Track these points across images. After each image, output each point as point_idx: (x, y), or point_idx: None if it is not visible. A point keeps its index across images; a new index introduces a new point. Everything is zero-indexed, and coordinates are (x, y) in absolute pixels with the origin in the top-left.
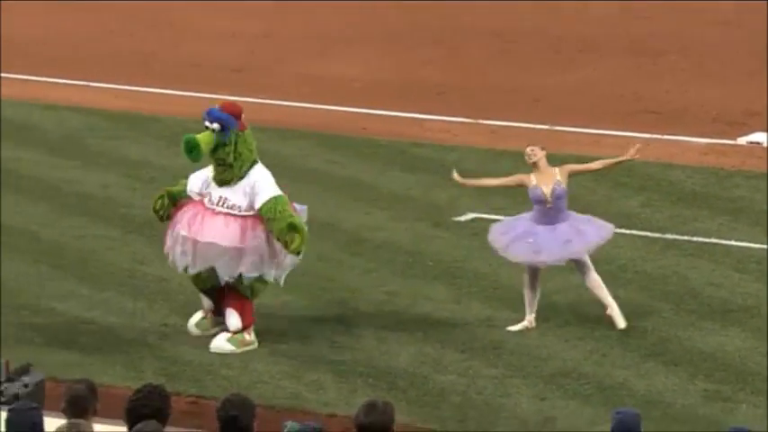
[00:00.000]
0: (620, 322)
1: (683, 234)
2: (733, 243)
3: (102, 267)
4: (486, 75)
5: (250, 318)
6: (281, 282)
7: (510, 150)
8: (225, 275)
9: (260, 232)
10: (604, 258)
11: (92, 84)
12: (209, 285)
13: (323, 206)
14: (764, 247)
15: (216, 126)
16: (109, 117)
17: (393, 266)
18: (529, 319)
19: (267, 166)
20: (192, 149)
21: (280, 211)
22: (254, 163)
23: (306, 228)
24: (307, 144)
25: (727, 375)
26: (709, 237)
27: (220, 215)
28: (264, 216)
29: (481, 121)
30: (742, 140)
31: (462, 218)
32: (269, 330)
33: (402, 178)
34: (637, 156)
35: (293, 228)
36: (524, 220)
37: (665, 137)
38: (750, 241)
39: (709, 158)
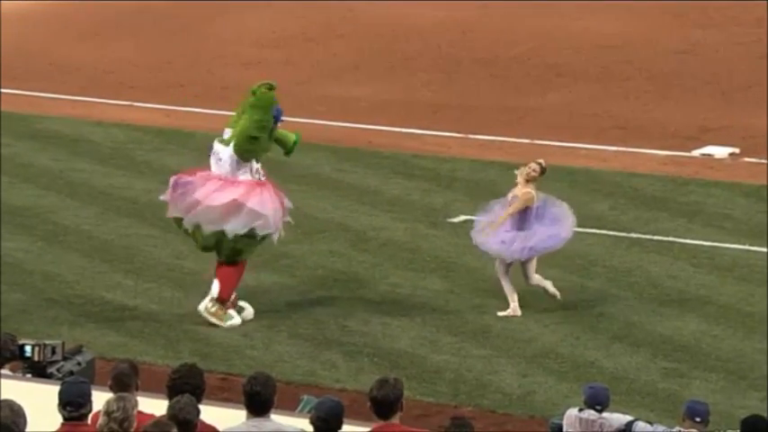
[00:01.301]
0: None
1: (645, 233)
2: (688, 241)
3: (145, 262)
4: (476, 96)
5: (226, 293)
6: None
7: (497, 161)
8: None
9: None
10: (577, 254)
11: (136, 104)
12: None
13: (334, 209)
14: (715, 244)
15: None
16: (151, 132)
17: (395, 261)
18: (513, 307)
19: (285, 174)
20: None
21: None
22: None
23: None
24: (320, 155)
25: (684, 355)
26: (668, 236)
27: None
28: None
29: (472, 136)
30: (696, 153)
31: (455, 219)
32: (287, 316)
33: (403, 185)
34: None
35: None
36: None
37: (630, 149)
38: (703, 239)
39: (668, 168)
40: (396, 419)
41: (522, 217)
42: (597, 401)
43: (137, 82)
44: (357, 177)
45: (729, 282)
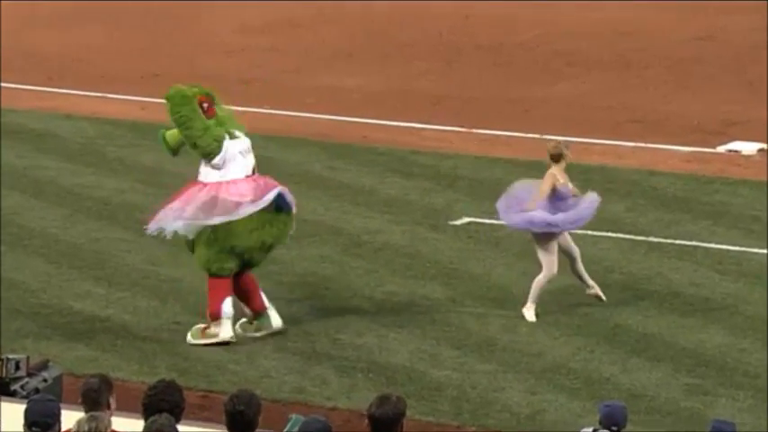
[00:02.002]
0: (602, 295)
1: (666, 237)
2: (713, 246)
3: (117, 268)
4: (478, 87)
5: (215, 305)
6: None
7: (502, 158)
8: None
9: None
10: (591, 259)
11: (109, 95)
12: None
13: (325, 211)
14: (743, 249)
15: None
16: (124, 126)
17: (392, 267)
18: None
19: (271, 173)
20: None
21: None
22: None
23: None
24: (311, 151)
25: (708, 370)
26: (691, 239)
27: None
28: None
29: (475, 131)
30: (721, 149)
31: (458, 222)
32: None
33: (400, 184)
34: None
35: None
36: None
37: (649, 145)
38: (729, 244)
39: (691, 166)
40: None
41: (551, 203)
42: (613, 421)
43: (108, 71)
44: (350, 176)
45: (758, 290)
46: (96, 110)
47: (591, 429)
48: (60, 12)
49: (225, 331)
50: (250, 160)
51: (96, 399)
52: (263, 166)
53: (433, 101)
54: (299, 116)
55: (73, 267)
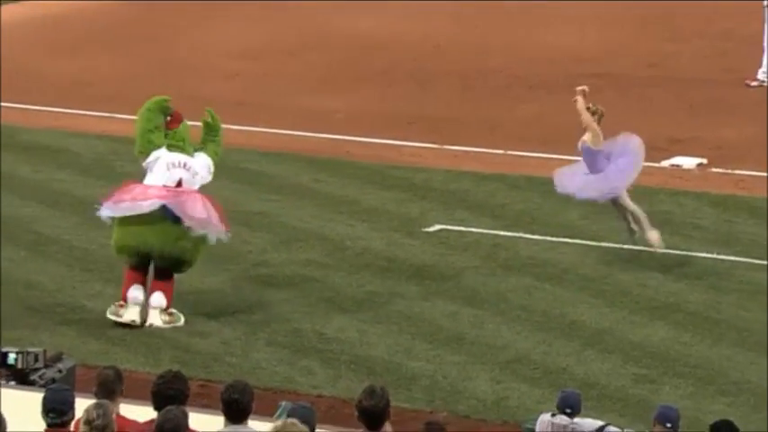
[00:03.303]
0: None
1: (616, 242)
2: (659, 250)
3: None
4: (450, 108)
5: (123, 291)
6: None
7: (470, 171)
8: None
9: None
10: (549, 262)
11: (116, 115)
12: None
13: (312, 219)
14: (684, 253)
15: None
16: (130, 143)
17: (372, 270)
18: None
19: (263, 184)
20: None
21: None
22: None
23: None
24: (298, 166)
25: (653, 362)
26: (638, 245)
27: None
28: None
29: (445, 147)
30: (665, 164)
31: (430, 228)
32: (266, 323)
33: (379, 195)
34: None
35: None
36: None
37: None
38: (672, 248)
39: (639, 177)
40: (388, 428)
41: (592, 160)
42: (568, 404)
43: (116, 94)
44: (334, 187)
45: (698, 290)
46: (105, 128)
47: (550, 414)
48: (72, 41)
49: (128, 314)
50: (175, 174)
51: (111, 388)
52: (255, 180)
53: (408, 120)
54: (288, 134)
55: (85, 270)
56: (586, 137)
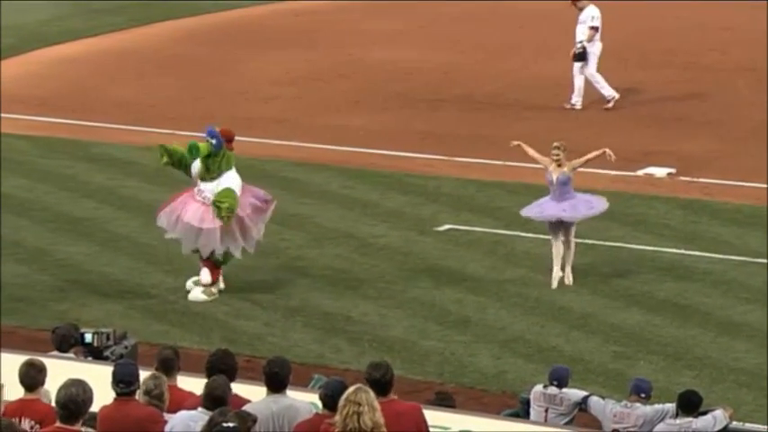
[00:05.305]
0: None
1: (598, 239)
2: (634, 246)
3: (183, 263)
4: (457, 125)
5: (216, 275)
6: (239, 255)
7: (475, 179)
8: (186, 247)
9: (219, 220)
10: (542, 257)
11: (177, 132)
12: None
13: (340, 219)
14: (656, 248)
15: (213, 141)
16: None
17: (391, 263)
18: (555, 270)
19: (299, 190)
20: (192, 150)
21: (221, 194)
22: (228, 170)
23: (232, 205)
24: (328, 174)
25: (630, 341)
26: (617, 242)
27: (197, 203)
28: (214, 198)
29: (454, 158)
30: (640, 172)
31: (441, 228)
32: (302, 308)
33: (397, 199)
34: (611, 158)
35: (220, 202)
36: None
37: (587, 170)
38: (646, 245)
39: (617, 185)
40: (394, 396)
41: (562, 191)
42: (557, 377)
43: (176, 114)
44: (360, 193)
45: (668, 280)
46: (167, 143)
47: (542, 385)
48: (136, 67)
49: (215, 288)
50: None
51: (171, 365)
52: (291, 187)
53: (422, 136)
54: (320, 147)
55: (149, 263)
56: (561, 170)
